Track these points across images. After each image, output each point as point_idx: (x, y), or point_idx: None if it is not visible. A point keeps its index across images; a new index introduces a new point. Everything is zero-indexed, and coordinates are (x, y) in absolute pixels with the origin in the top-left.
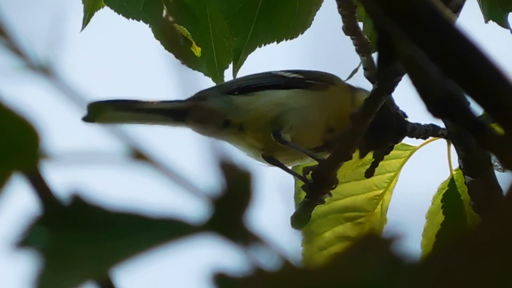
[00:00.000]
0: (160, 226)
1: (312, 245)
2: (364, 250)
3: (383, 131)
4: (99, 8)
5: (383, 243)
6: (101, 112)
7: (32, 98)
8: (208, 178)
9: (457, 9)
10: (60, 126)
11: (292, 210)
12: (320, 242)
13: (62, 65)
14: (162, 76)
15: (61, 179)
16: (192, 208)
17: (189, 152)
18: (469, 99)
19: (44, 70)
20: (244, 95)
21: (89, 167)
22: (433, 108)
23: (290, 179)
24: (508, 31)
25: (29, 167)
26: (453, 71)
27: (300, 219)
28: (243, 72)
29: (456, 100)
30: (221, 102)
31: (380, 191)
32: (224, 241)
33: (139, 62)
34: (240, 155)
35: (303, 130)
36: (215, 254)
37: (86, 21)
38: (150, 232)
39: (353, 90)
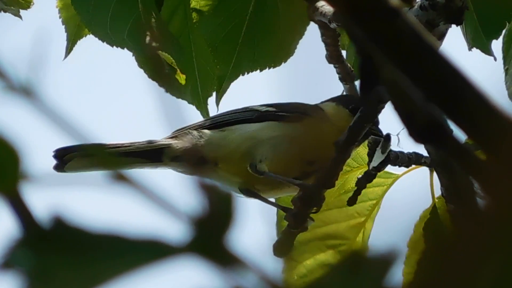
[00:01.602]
0: (142, 247)
1: (293, 272)
2: (349, 270)
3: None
4: (82, 37)
5: (368, 263)
6: (70, 159)
7: (13, 119)
8: (190, 200)
9: (441, 36)
10: (41, 148)
11: (273, 233)
12: (301, 270)
13: (43, 87)
14: (146, 104)
15: (42, 201)
16: (173, 230)
17: (170, 174)
18: (452, 125)
19: (25, 91)
20: (217, 130)
21: (70, 188)
22: (416, 133)
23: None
24: (492, 58)
25: (9, 189)
26: (436, 96)
27: (282, 247)
28: (227, 99)
29: (439, 125)
30: (194, 138)
31: (362, 219)
32: (205, 262)
33: (123, 90)
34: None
35: (275, 160)
36: (197, 275)
37: (69, 49)
38: (132, 254)
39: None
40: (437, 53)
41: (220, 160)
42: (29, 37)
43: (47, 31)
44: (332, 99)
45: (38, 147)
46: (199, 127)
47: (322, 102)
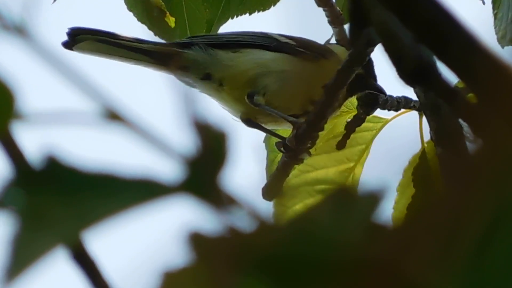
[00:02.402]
0: (134, 187)
1: (282, 218)
2: (337, 205)
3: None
4: None
5: (356, 198)
6: (82, 40)
7: (6, 59)
8: (183, 139)
9: None
10: (35, 87)
11: (264, 176)
12: (290, 215)
13: (37, 26)
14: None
15: (35, 140)
16: (166, 169)
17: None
18: (443, 68)
19: (18, 30)
20: (230, 50)
21: (63, 127)
22: (405, 74)
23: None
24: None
25: (1, 129)
26: (426, 37)
27: (272, 190)
28: None
29: (428, 66)
30: (204, 53)
31: (352, 164)
32: (198, 202)
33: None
34: (216, 114)
35: (278, 95)
36: (190, 214)
37: None
38: (124, 193)
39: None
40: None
41: (225, 81)
42: None
43: None
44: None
45: (31, 87)
46: (211, 41)
47: (330, 44)
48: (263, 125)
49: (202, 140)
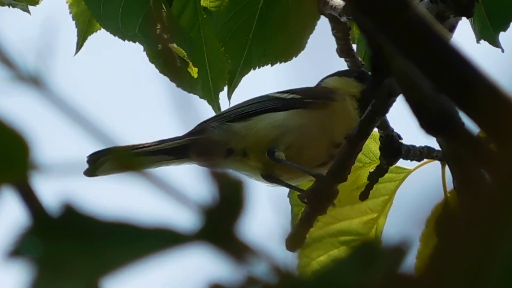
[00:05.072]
0: (152, 235)
1: (307, 269)
2: (362, 258)
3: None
4: (93, 32)
5: (380, 254)
6: (104, 162)
7: (22, 109)
8: (200, 188)
9: (451, 29)
10: (51, 137)
11: (285, 223)
12: (315, 267)
13: (53, 77)
14: (157, 98)
15: (52, 190)
16: (184, 218)
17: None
18: (464, 117)
19: (34, 81)
20: (243, 120)
21: (80, 177)
22: (427, 124)
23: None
24: (499, 50)
25: (19, 179)
26: (447, 87)
27: (295, 241)
28: (238, 94)
29: (450, 116)
30: (220, 131)
31: (375, 215)
32: (216, 251)
33: (134, 85)
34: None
35: (303, 148)
36: (207, 264)
37: (80, 44)
38: (142, 241)
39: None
40: (447, 43)
41: (249, 150)
42: (37, 29)
43: (54, 20)
44: (329, 76)
45: (47, 137)
46: (222, 119)
47: (319, 82)
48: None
49: (219, 188)
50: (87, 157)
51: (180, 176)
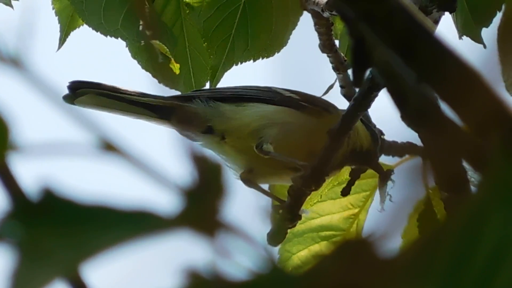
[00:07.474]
0: (131, 219)
1: (287, 264)
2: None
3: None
4: (75, 28)
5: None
6: (83, 93)
7: (1, 90)
8: (180, 170)
9: (434, 24)
10: (30, 118)
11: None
12: (295, 261)
13: (32, 57)
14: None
15: (31, 172)
16: (163, 201)
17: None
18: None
19: (14, 61)
20: (233, 104)
21: (59, 159)
22: (409, 116)
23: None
24: (481, 46)
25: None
26: (429, 77)
27: (276, 236)
28: None
29: (432, 107)
30: (206, 107)
31: (356, 210)
32: (196, 234)
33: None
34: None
35: (282, 145)
36: (187, 247)
37: (62, 40)
38: (121, 225)
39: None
40: (429, 31)
41: (228, 134)
42: (19, 13)
43: (35, 6)
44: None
45: (27, 117)
46: (213, 95)
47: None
48: (263, 180)
49: (199, 171)
50: (68, 83)
51: (159, 157)
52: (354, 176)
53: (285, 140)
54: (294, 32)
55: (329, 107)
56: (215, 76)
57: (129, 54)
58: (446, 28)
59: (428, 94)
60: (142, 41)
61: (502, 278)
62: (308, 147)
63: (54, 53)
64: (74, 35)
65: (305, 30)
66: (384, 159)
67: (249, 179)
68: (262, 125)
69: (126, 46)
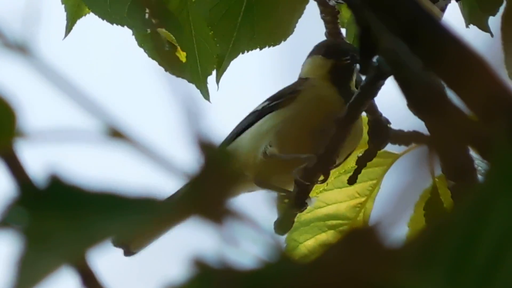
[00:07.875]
0: (138, 205)
1: (294, 253)
2: (353, 243)
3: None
4: (82, 16)
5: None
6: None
7: (8, 77)
8: (187, 157)
9: (440, 11)
10: (37, 105)
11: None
12: (302, 250)
13: (39, 45)
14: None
15: (38, 158)
16: (170, 187)
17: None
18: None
19: (20, 48)
20: (230, 143)
21: (66, 145)
22: (415, 103)
23: None
24: (489, 35)
25: (4, 147)
26: (436, 64)
27: (282, 225)
28: (226, 78)
29: (438, 94)
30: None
31: (363, 199)
32: (203, 221)
33: (122, 69)
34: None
35: (284, 142)
36: (194, 234)
37: (69, 28)
38: (128, 212)
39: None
40: (436, 21)
41: (243, 167)
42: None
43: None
44: (307, 56)
45: (33, 104)
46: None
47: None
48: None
49: (205, 157)
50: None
51: (166, 144)
52: (361, 165)
53: (283, 136)
54: (300, 20)
55: (298, 87)
56: (222, 65)
57: (136, 42)
58: (452, 16)
59: (435, 82)
60: (148, 29)
61: (507, 266)
62: (310, 128)
63: (61, 41)
64: (81, 23)
65: (311, 18)
66: (391, 148)
67: (261, 180)
68: (258, 140)
69: (133, 34)
